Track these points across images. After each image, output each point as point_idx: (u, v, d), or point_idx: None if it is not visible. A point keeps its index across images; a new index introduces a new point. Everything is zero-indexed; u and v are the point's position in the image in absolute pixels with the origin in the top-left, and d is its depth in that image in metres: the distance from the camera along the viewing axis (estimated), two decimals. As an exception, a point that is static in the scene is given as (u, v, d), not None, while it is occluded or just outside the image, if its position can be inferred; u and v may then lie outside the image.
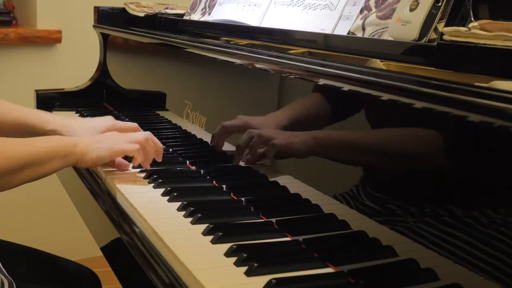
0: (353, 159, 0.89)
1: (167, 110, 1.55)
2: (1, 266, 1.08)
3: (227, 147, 1.22)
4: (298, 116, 1.05)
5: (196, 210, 0.97)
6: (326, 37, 1.10)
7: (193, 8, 1.69)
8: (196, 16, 1.65)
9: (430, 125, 0.74)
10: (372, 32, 1.03)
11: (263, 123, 1.10)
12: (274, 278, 0.75)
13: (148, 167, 1.18)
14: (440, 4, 0.87)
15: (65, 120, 1.29)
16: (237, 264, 0.80)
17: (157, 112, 1.60)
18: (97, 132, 1.24)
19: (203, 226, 0.92)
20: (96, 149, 1.11)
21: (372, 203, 0.84)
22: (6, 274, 1.06)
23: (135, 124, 1.32)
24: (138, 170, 1.20)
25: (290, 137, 1.01)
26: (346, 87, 0.85)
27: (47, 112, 1.31)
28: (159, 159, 1.19)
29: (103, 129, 1.25)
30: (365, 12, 1.08)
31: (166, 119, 1.54)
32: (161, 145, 1.20)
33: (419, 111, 0.73)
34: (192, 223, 0.95)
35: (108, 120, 1.30)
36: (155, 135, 1.50)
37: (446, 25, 0.84)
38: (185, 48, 1.38)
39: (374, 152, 0.85)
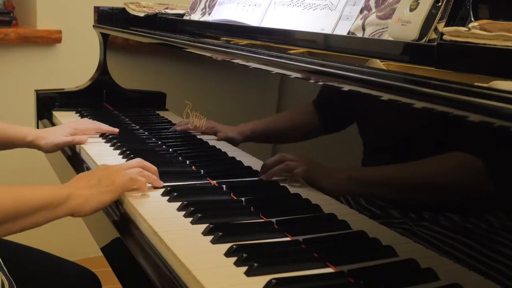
0: (388, 193, 0.83)
1: (167, 110, 1.55)
2: (3, 265, 1.08)
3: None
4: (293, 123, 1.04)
5: (196, 210, 0.97)
6: (326, 37, 1.10)
7: (193, 8, 1.69)
8: (196, 16, 1.65)
9: (436, 128, 0.74)
10: (372, 32, 1.03)
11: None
12: (274, 278, 0.75)
13: (160, 184, 1.12)
14: (440, 4, 0.87)
15: (39, 130, 1.48)
16: (237, 264, 0.80)
17: (157, 112, 1.60)
18: (64, 130, 1.45)
19: (203, 226, 0.92)
20: (95, 194, 1.02)
21: (371, 203, 0.84)
22: (8, 274, 1.06)
23: (96, 124, 1.52)
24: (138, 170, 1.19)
25: (323, 176, 0.94)
26: (346, 87, 0.85)
27: (22, 126, 1.43)
28: (158, 184, 1.12)
29: (68, 129, 1.45)
30: (365, 12, 1.08)
31: (166, 119, 1.54)
32: (154, 167, 1.14)
33: (419, 111, 0.73)
34: (192, 223, 0.95)
35: (69, 124, 1.50)
36: (155, 135, 1.51)
37: (446, 25, 0.84)
38: (185, 48, 1.38)
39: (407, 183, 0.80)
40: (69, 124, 1.49)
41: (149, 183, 1.11)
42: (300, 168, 0.99)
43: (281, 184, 1.04)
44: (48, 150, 1.43)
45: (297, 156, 1.00)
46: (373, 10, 1.06)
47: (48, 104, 1.85)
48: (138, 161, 1.14)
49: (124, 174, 1.07)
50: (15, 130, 1.41)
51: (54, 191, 1.00)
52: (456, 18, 0.83)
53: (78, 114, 1.78)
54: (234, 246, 0.84)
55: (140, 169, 1.11)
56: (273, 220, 0.95)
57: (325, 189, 0.93)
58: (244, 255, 0.81)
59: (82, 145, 1.42)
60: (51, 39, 2.41)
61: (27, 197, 0.96)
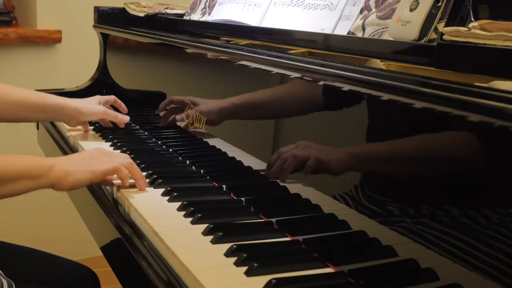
0: (388, 171, 0.83)
1: (167, 110, 1.55)
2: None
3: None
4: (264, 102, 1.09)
5: (196, 210, 0.97)
6: (326, 37, 1.10)
7: (193, 8, 1.69)
8: (196, 16, 1.65)
9: (437, 128, 0.74)
10: (372, 32, 1.03)
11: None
12: (274, 278, 0.75)
13: (144, 187, 1.10)
14: (440, 4, 0.87)
15: (64, 97, 1.44)
16: (237, 264, 0.80)
17: (157, 112, 1.60)
18: (93, 102, 1.45)
19: (203, 226, 0.92)
20: (76, 172, 1.04)
21: (371, 203, 0.84)
22: (3, 275, 1.06)
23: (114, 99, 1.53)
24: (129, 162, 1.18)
25: (324, 155, 0.93)
26: (346, 87, 0.85)
27: (45, 93, 1.44)
28: (141, 186, 1.10)
29: (98, 100, 1.47)
30: (365, 12, 1.08)
31: (166, 119, 1.54)
32: (140, 172, 1.12)
33: (419, 111, 0.73)
34: (192, 223, 0.95)
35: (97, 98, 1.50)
36: (155, 135, 1.51)
37: (446, 25, 0.84)
38: (185, 48, 1.38)
39: (408, 161, 0.80)
40: (91, 98, 1.49)
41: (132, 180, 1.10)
42: (310, 157, 0.96)
43: (281, 184, 1.04)
44: (88, 116, 1.45)
45: (301, 146, 0.98)
46: (373, 10, 1.06)
47: (48, 104, 1.85)
48: (129, 160, 1.11)
49: (109, 161, 1.07)
50: (50, 96, 1.41)
51: (38, 161, 1.03)
52: (456, 18, 0.83)
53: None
54: (234, 246, 0.84)
55: (132, 162, 1.10)
56: (273, 220, 0.95)
57: (333, 170, 0.92)
58: (244, 255, 0.81)
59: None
60: (51, 39, 2.41)
61: (12, 163, 0.99)
